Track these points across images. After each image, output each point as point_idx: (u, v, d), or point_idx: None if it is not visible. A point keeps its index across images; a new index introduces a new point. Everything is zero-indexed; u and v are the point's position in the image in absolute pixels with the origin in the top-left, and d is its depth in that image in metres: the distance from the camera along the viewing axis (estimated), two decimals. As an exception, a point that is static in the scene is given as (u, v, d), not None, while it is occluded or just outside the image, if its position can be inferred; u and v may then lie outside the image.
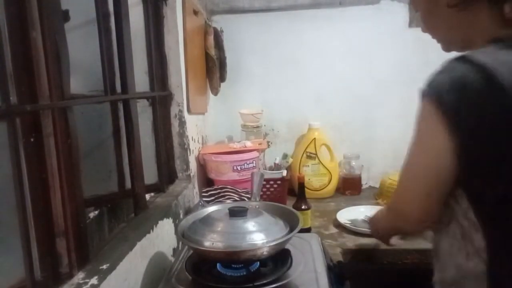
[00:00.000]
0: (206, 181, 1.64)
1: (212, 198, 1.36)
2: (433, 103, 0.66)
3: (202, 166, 1.63)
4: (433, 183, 0.70)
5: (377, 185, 1.87)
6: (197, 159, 1.60)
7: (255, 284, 0.82)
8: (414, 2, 0.87)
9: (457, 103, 0.64)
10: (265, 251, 0.84)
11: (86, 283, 0.72)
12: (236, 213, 0.90)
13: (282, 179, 1.64)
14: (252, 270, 0.87)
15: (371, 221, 1.02)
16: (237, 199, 1.35)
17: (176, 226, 1.17)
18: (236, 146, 1.63)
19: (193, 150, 1.54)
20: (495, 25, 0.73)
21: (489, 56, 0.66)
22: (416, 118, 0.70)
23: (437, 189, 0.70)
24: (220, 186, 1.43)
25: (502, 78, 0.62)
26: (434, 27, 0.84)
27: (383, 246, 1.29)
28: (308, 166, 1.84)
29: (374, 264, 1.27)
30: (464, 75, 0.64)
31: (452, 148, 0.65)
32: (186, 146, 1.45)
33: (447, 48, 0.86)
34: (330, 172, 1.83)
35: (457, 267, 0.72)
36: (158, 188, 1.30)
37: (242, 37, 1.91)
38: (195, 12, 1.58)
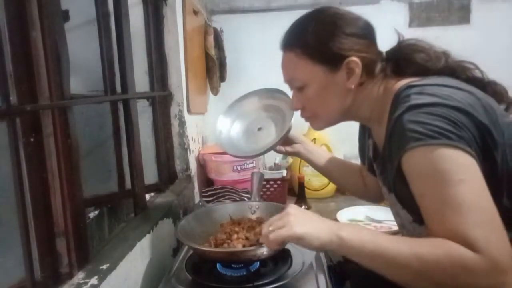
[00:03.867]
0: (206, 181, 1.64)
1: (212, 198, 1.37)
2: (453, 145, 0.64)
3: (202, 166, 1.62)
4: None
5: (377, 185, 1.86)
6: (197, 159, 1.60)
7: (255, 284, 0.82)
8: (302, 79, 0.84)
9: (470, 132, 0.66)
10: (265, 251, 0.84)
11: (86, 283, 0.72)
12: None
13: (282, 179, 1.64)
14: (252, 270, 0.87)
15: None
16: (237, 199, 1.35)
17: (176, 226, 1.17)
18: (236, 146, 1.62)
19: (193, 150, 1.54)
20: (380, 90, 0.84)
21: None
22: (441, 165, 0.63)
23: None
24: (220, 186, 1.43)
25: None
26: (326, 104, 0.85)
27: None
28: (308, 166, 1.83)
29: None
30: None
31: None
32: (186, 146, 1.45)
33: (325, 125, 0.90)
34: (330, 172, 1.82)
35: None
36: (158, 188, 1.30)
37: (242, 37, 1.91)
38: (195, 12, 1.58)
